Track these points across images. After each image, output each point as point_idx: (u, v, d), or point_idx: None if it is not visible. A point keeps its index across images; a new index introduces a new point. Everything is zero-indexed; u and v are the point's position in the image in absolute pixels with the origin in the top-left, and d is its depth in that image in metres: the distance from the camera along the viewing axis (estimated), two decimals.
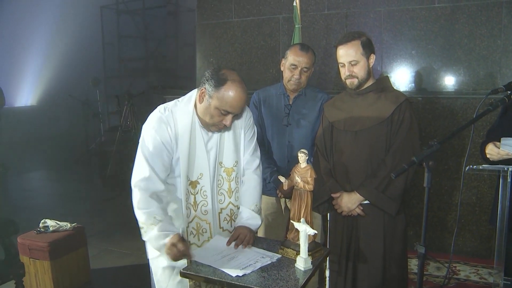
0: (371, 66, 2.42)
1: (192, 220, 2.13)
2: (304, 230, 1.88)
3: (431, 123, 3.95)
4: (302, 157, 1.97)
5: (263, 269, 1.90)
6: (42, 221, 3.76)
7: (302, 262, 1.89)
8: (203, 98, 2.02)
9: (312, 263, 1.92)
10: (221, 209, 2.21)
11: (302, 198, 1.98)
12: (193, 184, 2.11)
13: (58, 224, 3.69)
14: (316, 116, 2.82)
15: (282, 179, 2.00)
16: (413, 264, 3.82)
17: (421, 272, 1.88)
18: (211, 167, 2.13)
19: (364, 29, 4.11)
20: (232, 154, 2.19)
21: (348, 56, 2.36)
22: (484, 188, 3.80)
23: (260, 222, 2.26)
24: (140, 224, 2.03)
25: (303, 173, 1.97)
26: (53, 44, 12.61)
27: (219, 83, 1.96)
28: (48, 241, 3.45)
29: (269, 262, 1.93)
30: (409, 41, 3.99)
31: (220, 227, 2.21)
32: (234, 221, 2.25)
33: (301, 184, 1.97)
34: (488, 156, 2.16)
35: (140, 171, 2.03)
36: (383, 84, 2.46)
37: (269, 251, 2.07)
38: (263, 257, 1.98)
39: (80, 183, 7.66)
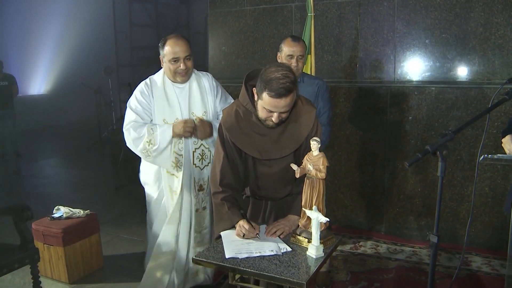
0: None
1: (171, 155, 2.79)
2: (316, 218, 1.88)
3: (444, 113, 3.91)
4: (314, 145, 1.96)
5: (275, 256, 1.91)
6: (56, 208, 3.81)
7: (314, 250, 1.90)
8: (162, 63, 2.78)
9: (323, 251, 1.92)
10: (195, 149, 2.86)
11: (314, 186, 1.98)
12: None
13: (72, 211, 3.73)
14: (313, 102, 3.03)
15: (294, 167, 1.99)
16: (424, 254, 3.81)
17: (434, 262, 1.87)
18: (184, 114, 2.79)
19: (377, 18, 4.06)
20: (200, 104, 2.85)
21: (284, 107, 2.04)
22: (498, 179, 3.76)
23: None
24: (145, 140, 2.67)
25: (315, 161, 1.96)
26: (65, 32, 12.66)
27: (162, 46, 2.73)
28: (62, 228, 3.49)
29: (279, 253, 1.95)
30: (423, 30, 3.94)
31: (193, 164, 2.85)
32: (205, 160, 2.91)
33: (313, 172, 1.97)
34: (502, 145, 2.15)
35: (127, 118, 2.75)
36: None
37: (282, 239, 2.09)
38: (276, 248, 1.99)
39: (92, 171, 7.73)
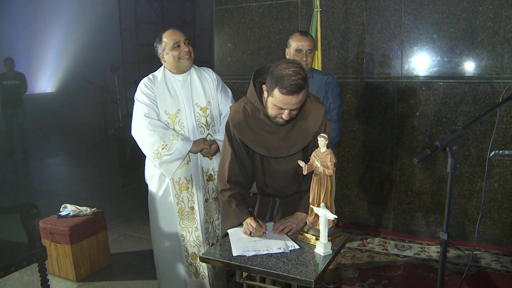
0: None
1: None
2: (324, 215, 1.86)
3: (452, 108, 3.87)
4: (322, 141, 1.94)
5: (282, 254, 1.90)
6: (63, 205, 3.81)
7: (322, 247, 1.88)
8: (164, 58, 2.82)
9: (331, 248, 1.91)
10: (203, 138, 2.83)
11: (322, 183, 1.96)
12: (171, 117, 2.79)
13: (78, 208, 3.74)
14: (323, 97, 3.09)
15: (301, 163, 1.98)
16: (433, 250, 3.79)
17: (443, 259, 1.84)
18: (186, 105, 2.81)
19: (384, 13, 4.03)
20: (202, 95, 2.87)
21: (295, 104, 2.02)
22: (507, 175, 3.72)
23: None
24: (161, 143, 2.67)
25: (323, 158, 1.94)
26: (71, 30, 12.70)
27: (159, 41, 2.79)
28: (69, 226, 3.50)
29: (287, 251, 1.94)
30: (430, 25, 3.90)
31: (201, 153, 2.82)
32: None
33: (320, 169, 1.95)
34: None
35: (137, 110, 2.77)
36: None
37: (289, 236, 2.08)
38: (284, 246, 1.97)
39: (99, 169, 7.75)
